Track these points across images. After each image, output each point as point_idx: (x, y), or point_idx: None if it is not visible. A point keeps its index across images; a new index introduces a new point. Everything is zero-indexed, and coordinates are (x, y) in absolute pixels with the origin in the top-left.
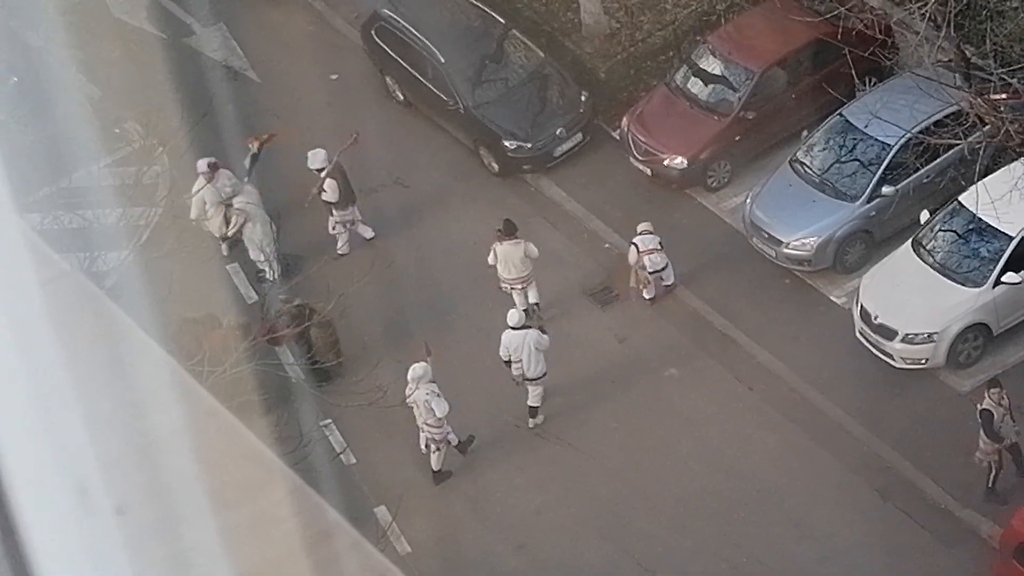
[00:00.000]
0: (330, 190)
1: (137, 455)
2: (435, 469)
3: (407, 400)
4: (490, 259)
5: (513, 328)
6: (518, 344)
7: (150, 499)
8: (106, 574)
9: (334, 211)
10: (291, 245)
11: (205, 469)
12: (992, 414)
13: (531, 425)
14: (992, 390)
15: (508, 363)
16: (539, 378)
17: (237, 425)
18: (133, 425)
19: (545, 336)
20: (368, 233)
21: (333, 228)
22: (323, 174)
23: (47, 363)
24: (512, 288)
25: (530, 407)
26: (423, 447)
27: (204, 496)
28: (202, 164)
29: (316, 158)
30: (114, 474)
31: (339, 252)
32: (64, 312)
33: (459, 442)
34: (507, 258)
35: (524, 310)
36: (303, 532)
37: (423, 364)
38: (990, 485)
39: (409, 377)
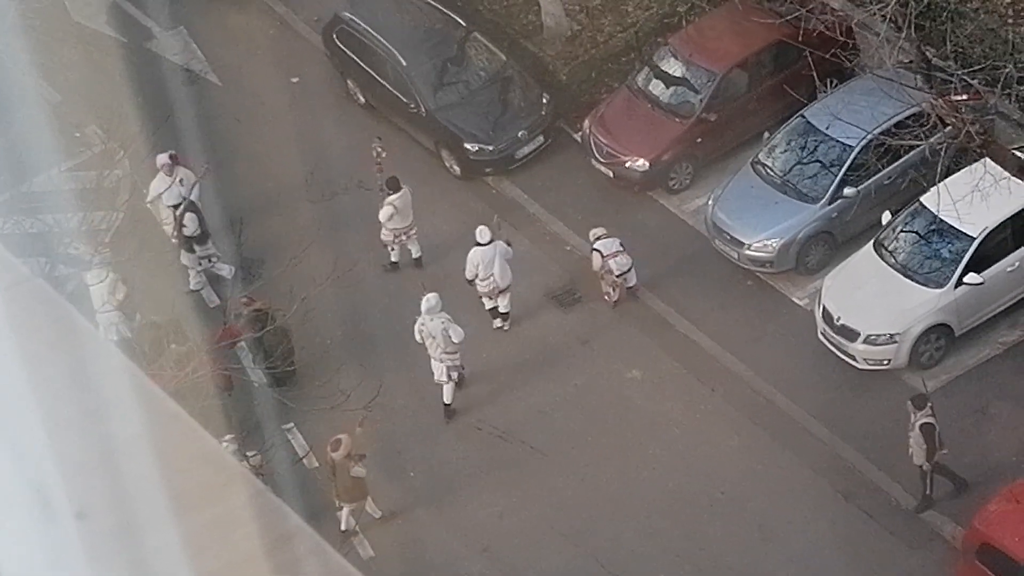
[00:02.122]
0: (190, 224)
1: (97, 460)
2: (447, 403)
3: (417, 335)
4: (385, 215)
5: (482, 244)
6: (491, 257)
7: (111, 504)
8: None
9: (195, 246)
10: (252, 249)
11: (166, 473)
12: (934, 427)
13: (503, 326)
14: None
15: (471, 282)
16: (509, 286)
17: (198, 429)
18: (93, 430)
19: (510, 247)
20: (225, 270)
21: (200, 264)
22: (180, 209)
23: (7, 368)
24: (408, 236)
25: (503, 314)
26: (444, 378)
27: (165, 500)
28: (162, 158)
29: (172, 195)
30: (74, 479)
31: (191, 287)
32: (24, 317)
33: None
34: (403, 208)
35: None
36: (264, 536)
37: (435, 294)
38: (928, 494)
39: (424, 309)
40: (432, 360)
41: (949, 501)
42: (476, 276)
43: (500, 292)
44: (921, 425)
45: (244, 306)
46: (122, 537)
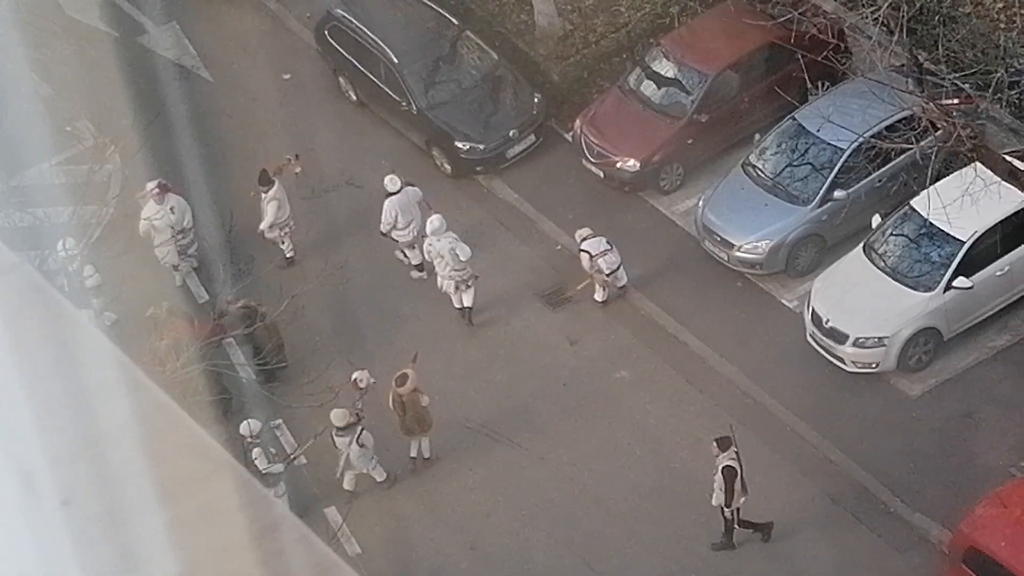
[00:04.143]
0: (90, 277)
1: (83, 447)
2: (468, 305)
3: (425, 254)
4: (274, 210)
5: (395, 193)
6: (406, 204)
7: (96, 491)
8: (51, 566)
9: (94, 300)
10: (243, 245)
11: (151, 462)
12: (735, 472)
13: (423, 276)
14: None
15: (386, 235)
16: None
17: (184, 418)
18: (80, 417)
19: (417, 188)
20: (110, 320)
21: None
22: (78, 261)
23: None
24: (290, 228)
25: (417, 264)
26: (452, 290)
27: (150, 489)
28: (151, 185)
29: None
30: (60, 466)
31: None
32: (11, 304)
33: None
34: (283, 200)
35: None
36: (250, 525)
37: (439, 216)
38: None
39: (430, 231)
40: (439, 277)
41: (936, 504)
42: (393, 227)
43: (421, 236)
44: (723, 468)
45: (228, 304)
46: (107, 525)
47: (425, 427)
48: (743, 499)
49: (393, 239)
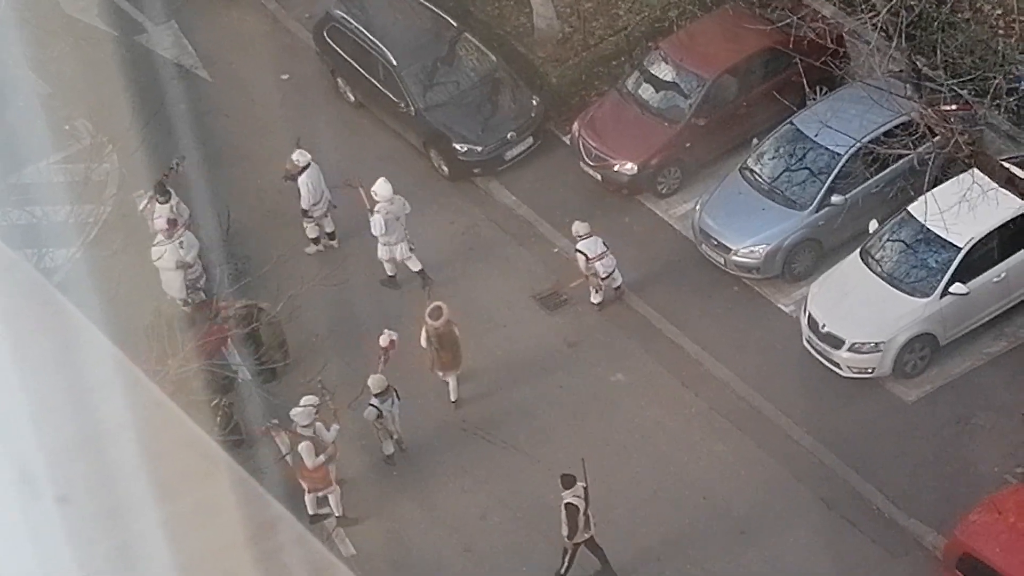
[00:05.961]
0: None
1: (81, 445)
2: (419, 269)
3: (382, 226)
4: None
5: (306, 167)
6: (317, 177)
7: (94, 488)
8: (49, 562)
9: None
10: (239, 245)
11: (150, 459)
12: (577, 508)
13: (335, 244)
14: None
15: (307, 212)
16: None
17: (182, 416)
18: (77, 414)
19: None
20: None
21: None
22: None
23: None
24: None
25: (330, 233)
26: (408, 253)
27: (148, 486)
28: (160, 223)
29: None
30: (58, 463)
31: None
32: (10, 302)
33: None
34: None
35: None
36: (246, 523)
37: (383, 178)
38: (562, 572)
39: (387, 197)
40: (385, 247)
41: (931, 509)
42: (311, 207)
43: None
44: (565, 504)
45: (225, 306)
46: (104, 521)
47: (459, 361)
48: (588, 534)
49: (311, 216)
